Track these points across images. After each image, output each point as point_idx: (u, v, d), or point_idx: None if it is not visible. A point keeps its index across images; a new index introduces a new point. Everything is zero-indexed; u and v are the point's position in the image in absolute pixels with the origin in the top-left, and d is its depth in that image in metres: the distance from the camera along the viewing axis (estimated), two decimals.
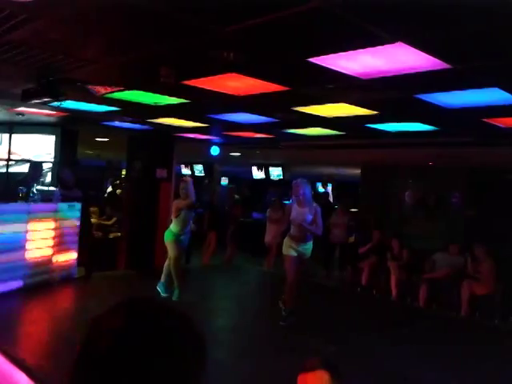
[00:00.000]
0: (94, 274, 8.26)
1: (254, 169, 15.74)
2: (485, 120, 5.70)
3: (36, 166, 9.16)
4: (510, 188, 9.63)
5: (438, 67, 3.59)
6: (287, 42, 3.34)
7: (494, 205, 9.49)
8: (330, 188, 17.87)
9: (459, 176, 10.48)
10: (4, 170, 9.32)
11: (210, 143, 10.49)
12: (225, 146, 10.65)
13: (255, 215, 13.51)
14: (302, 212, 5.67)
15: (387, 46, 3.21)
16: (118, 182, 13.39)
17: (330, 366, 1.98)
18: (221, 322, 5.84)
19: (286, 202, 14.28)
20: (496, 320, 6.86)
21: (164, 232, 7.36)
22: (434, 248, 8.12)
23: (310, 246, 5.86)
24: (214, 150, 10.60)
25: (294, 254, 5.73)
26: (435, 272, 7.75)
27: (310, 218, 5.63)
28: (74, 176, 7.88)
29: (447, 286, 7.51)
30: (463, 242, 8.06)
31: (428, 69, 3.66)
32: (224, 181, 18.12)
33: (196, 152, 12.69)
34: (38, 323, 5.71)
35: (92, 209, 10.27)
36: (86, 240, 8.16)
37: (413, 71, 3.76)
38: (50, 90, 4.77)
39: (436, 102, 4.92)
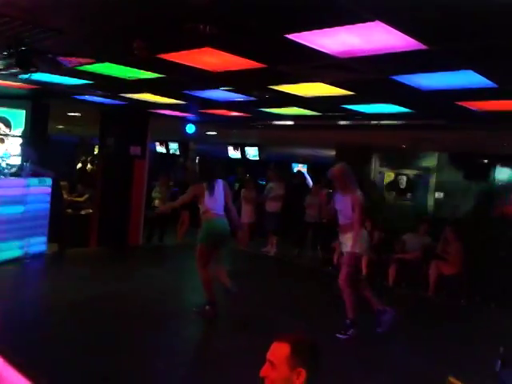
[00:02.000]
0: (65, 251, 8.16)
1: (231, 148, 15.66)
2: (458, 103, 5.77)
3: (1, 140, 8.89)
4: (479, 171, 9.86)
5: (415, 47, 3.60)
6: (264, 17, 3.29)
7: (462, 188, 9.72)
8: (305, 169, 17.96)
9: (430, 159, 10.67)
10: None
11: (185, 121, 10.37)
12: (201, 124, 10.55)
13: None
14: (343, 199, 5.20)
15: (365, 25, 3.20)
16: (87, 158, 13.18)
17: (297, 343, 1.93)
18: (194, 298, 5.86)
19: (262, 182, 14.33)
20: (462, 300, 7.07)
21: (138, 209, 7.27)
22: (403, 228, 8.28)
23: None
24: (190, 128, 10.49)
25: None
26: (405, 253, 7.92)
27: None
28: (35, 153, 7.72)
29: (416, 266, 7.69)
30: (431, 223, 8.25)
31: (404, 49, 3.67)
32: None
33: (171, 130, 12.53)
34: (7, 300, 5.61)
35: (62, 183, 10.10)
36: (58, 216, 8.04)
37: (389, 51, 3.76)
38: (20, 60, 4.61)
39: (411, 84, 4.96)
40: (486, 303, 6.89)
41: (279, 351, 1.90)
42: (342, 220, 5.20)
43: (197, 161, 5.55)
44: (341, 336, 5.00)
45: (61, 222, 8.06)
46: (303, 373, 1.87)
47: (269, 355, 1.93)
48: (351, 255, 5.08)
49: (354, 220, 5.05)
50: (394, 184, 10.91)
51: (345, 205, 5.13)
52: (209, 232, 5.35)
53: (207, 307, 5.37)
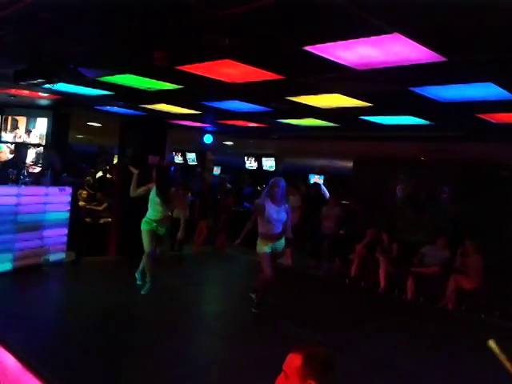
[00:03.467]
0: (83, 259, 8.24)
1: (247, 159, 15.72)
2: (477, 115, 5.72)
3: (21, 149, 9.05)
4: (499, 184, 9.71)
5: (434, 60, 3.59)
6: (283, 29, 3.32)
7: (482, 200, 9.56)
8: (321, 180, 17.89)
9: (449, 171, 10.54)
10: None
11: (203, 131, 10.45)
12: (218, 134, 10.62)
13: (246, 205, 13.54)
14: (277, 210, 5.61)
15: (383, 37, 3.21)
16: (107, 167, 13.32)
17: (309, 356, 1.93)
18: (208, 308, 5.86)
19: None
20: (482, 314, 6.93)
21: None
22: (422, 241, 8.17)
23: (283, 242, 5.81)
24: (208, 138, 10.57)
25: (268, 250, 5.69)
26: (424, 267, 7.81)
27: (284, 216, 5.64)
28: (61, 160, 7.85)
29: (434, 280, 7.58)
30: (450, 236, 8.12)
31: (423, 61, 3.67)
32: (216, 170, 18.06)
33: (189, 140, 12.64)
34: (26, 306, 5.69)
35: (82, 191, 10.23)
36: (77, 224, 8.14)
37: (408, 63, 3.76)
38: (42, 71, 4.72)
39: (430, 96, 4.94)
40: (507, 318, 6.74)
41: (292, 362, 1.92)
42: None
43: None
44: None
45: (78, 231, 8.14)
46: None
47: (284, 365, 1.95)
48: None
49: None
50: (413, 196, 10.79)
51: None
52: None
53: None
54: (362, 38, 3.29)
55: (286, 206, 5.73)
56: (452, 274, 7.27)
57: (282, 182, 5.69)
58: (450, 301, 7.15)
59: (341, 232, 9.48)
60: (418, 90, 4.73)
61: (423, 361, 4.92)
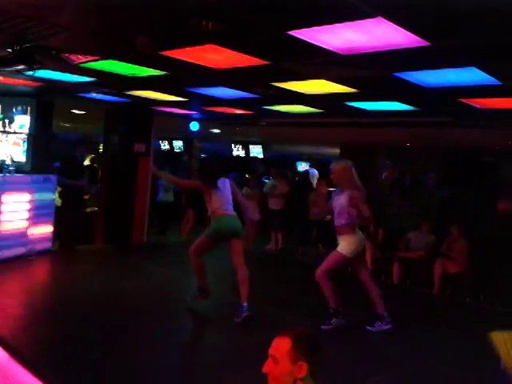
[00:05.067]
0: (70, 248, 8.20)
1: (234, 146, 15.68)
2: (462, 100, 5.76)
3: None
4: (483, 169, 9.82)
5: (417, 44, 3.59)
6: (266, 13, 3.29)
7: (467, 185, 9.67)
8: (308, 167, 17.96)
9: (435, 157, 10.63)
10: None
11: (189, 118, 10.39)
12: (205, 121, 10.57)
13: None
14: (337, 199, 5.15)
15: (367, 21, 3.19)
16: (95, 156, 13.21)
17: (298, 337, 1.94)
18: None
19: (266, 180, 14.34)
20: (467, 298, 7.04)
21: (142, 206, 7.33)
22: (408, 227, 8.25)
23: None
24: (194, 126, 10.51)
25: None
26: (410, 252, 7.90)
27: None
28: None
29: (420, 264, 7.68)
30: (436, 221, 8.21)
31: (407, 46, 3.66)
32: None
33: (175, 127, 12.56)
34: (13, 296, 5.66)
35: None
36: (63, 213, 8.09)
37: (392, 48, 3.76)
38: (24, 57, 4.64)
39: (414, 81, 4.95)
40: (491, 302, 6.85)
41: (281, 346, 1.93)
42: (337, 221, 5.12)
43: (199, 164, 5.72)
44: (325, 327, 5.01)
45: (64, 219, 8.09)
46: (305, 366, 1.89)
47: (271, 351, 1.96)
48: (340, 256, 5.05)
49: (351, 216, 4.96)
50: (399, 182, 10.87)
51: (341, 203, 5.02)
52: (216, 230, 5.35)
53: (198, 294, 5.51)
54: (346, 22, 3.27)
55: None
56: (438, 259, 7.37)
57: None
58: (436, 285, 7.25)
59: (327, 219, 9.52)
60: (402, 75, 4.74)
61: (409, 345, 5.00)
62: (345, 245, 5.03)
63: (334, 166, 5.18)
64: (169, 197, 10.60)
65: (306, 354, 1.91)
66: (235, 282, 5.30)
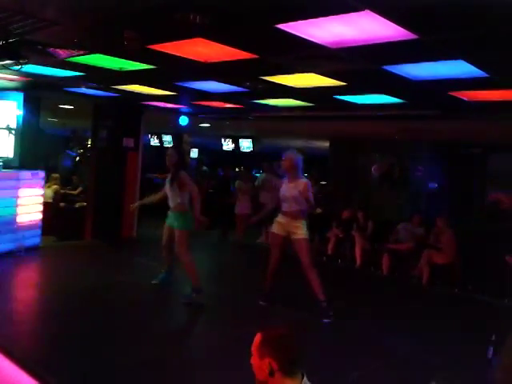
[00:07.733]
0: (59, 244, 8.16)
1: (224, 140, 15.61)
2: (449, 93, 5.79)
3: None
4: (471, 161, 9.90)
5: (405, 37, 3.60)
6: (254, 7, 3.28)
7: (455, 177, 9.75)
8: None
9: (423, 150, 10.69)
10: None
11: (178, 113, 10.33)
12: (194, 116, 10.52)
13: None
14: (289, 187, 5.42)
15: (355, 14, 3.20)
16: (84, 150, 13.14)
17: (267, 335, 2.04)
18: (186, 288, 5.88)
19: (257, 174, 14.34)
20: (456, 289, 7.12)
21: (132, 201, 7.28)
22: (397, 219, 8.33)
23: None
24: (183, 120, 10.46)
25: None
26: (399, 244, 7.97)
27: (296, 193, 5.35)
28: None
29: (409, 256, 7.75)
30: (425, 214, 8.30)
31: (395, 39, 3.68)
32: (193, 152, 17.94)
33: (165, 122, 12.49)
34: (1, 292, 5.62)
35: (54, 175, 10.09)
36: (52, 209, 8.04)
37: (380, 41, 3.77)
38: (10, 52, 4.58)
39: (403, 74, 4.97)
40: (479, 292, 6.94)
41: (255, 341, 2.05)
42: (288, 207, 5.38)
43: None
44: (326, 320, 5.07)
45: (53, 215, 8.04)
46: (267, 361, 1.97)
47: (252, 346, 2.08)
48: (307, 241, 5.40)
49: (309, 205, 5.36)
50: (388, 175, 10.94)
51: (299, 190, 5.29)
52: (193, 219, 5.58)
53: (194, 295, 5.47)
54: (333, 16, 3.27)
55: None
56: (424, 250, 7.44)
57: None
58: (424, 276, 7.32)
59: (317, 211, 9.57)
60: (390, 68, 4.75)
61: (398, 334, 5.05)
62: (304, 229, 5.39)
63: (285, 156, 5.52)
64: None
65: (271, 351, 1.99)
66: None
